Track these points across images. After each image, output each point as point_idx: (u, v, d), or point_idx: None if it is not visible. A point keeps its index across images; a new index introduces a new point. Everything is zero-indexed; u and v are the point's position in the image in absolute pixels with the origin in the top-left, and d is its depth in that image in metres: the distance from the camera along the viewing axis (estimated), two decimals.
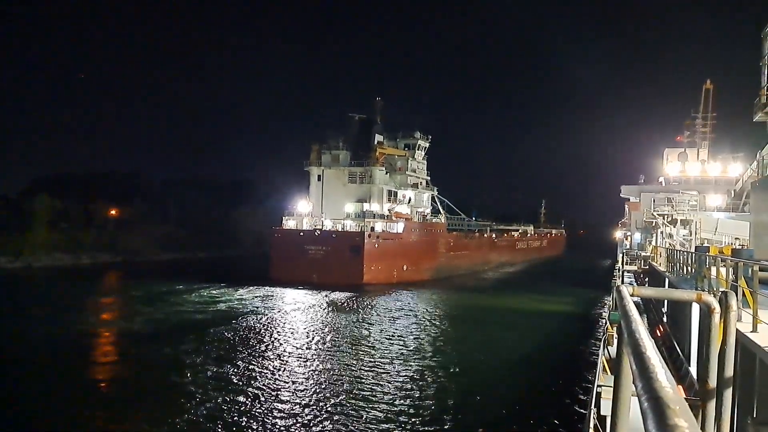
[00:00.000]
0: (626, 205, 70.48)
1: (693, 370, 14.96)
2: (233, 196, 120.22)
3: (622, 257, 47.48)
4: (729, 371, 6.28)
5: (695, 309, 15.17)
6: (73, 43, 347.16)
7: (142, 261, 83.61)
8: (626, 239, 63.66)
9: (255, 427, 18.80)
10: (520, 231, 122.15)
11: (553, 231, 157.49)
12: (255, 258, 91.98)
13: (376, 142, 73.31)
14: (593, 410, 11.72)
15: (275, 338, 33.20)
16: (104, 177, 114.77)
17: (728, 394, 6.23)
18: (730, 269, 12.53)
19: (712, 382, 6.09)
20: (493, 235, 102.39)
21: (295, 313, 42.31)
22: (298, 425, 18.94)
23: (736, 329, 7.11)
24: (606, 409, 10.71)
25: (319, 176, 72.42)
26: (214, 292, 51.62)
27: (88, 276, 65.14)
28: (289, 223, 68.48)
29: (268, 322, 38.07)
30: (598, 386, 12.07)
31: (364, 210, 68.42)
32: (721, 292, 7.15)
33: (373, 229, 64.89)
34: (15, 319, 38.24)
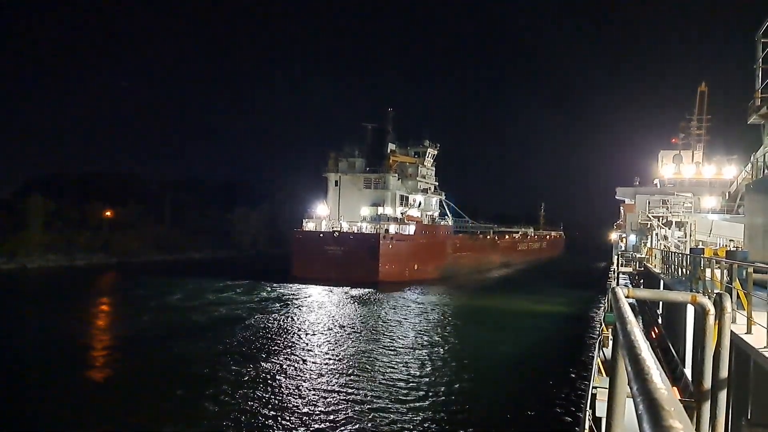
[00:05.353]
0: (621, 207, 70.66)
1: (688, 371, 15.00)
2: (228, 197, 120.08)
3: (617, 259, 47.63)
4: (724, 373, 6.29)
5: (690, 310, 15.21)
6: (70, 41, 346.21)
7: (136, 262, 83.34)
8: (621, 241, 63.76)
9: (272, 416, 18.97)
10: (520, 233, 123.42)
11: (552, 233, 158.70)
12: (253, 258, 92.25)
13: (389, 151, 79.07)
14: (588, 412, 11.75)
15: (301, 331, 35.16)
16: (99, 178, 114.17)
17: (723, 395, 6.24)
18: (725, 271, 12.57)
19: (707, 383, 6.10)
20: (495, 237, 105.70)
21: (321, 307, 45.44)
22: (306, 414, 18.95)
23: (731, 331, 7.13)
24: (601, 410, 10.74)
25: (336, 182, 77.64)
26: (237, 289, 53.88)
27: (84, 277, 64.87)
28: (309, 225, 72.72)
29: (295, 316, 40.54)
30: (594, 388, 12.10)
31: (379, 213, 73.38)
32: (716, 293, 7.16)
33: (387, 231, 68.71)
34: (12, 320, 38.08)
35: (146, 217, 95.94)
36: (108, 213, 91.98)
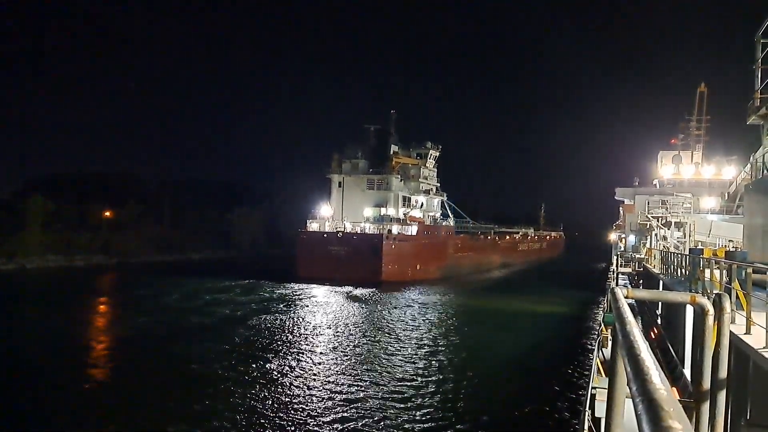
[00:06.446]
0: (621, 208, 70.67)
1: (687, 371, 15.01)
2: (228, 197, 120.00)
3: (617, 259, 47.66)
4: (723, 373, 6.30)
5: (689, 311, 15.22)
6: (70, 41, 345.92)
7: (136, 262, 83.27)
8: (621, 241, 63.76)
9: (273, 416, 18.92)
10: (520, 233, 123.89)
11: (552, 233, 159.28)
12: (252, 259, 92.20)
13: (391, 152, 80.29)
14: (587, 412, 11.76)
15: (305, 330, 35.62)
16: (99, 178, 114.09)
17: (722, 395, 6.25)
18: (724, 271, 12.58)
19: (706, 383, 6.11)
20: (496, 238, 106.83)
21: (324, 307, 46.08)
22: (308, 413, 18.94)
23: (730, 331, 7.14)
24: (600, 411, 10.75)
25: (339, 183, 78.89)
26: (239, 289, 54.44)
27: (84, 277, 64.82)
28: (313, 226, 73.66)
29: (299, 316, 41.01)
30: (593, 388, 12.11)
31: (382, 214, 74.57)
32: (715, 294, 7.18)
33: (390, 231, 69.51)
34: (12, 320, 38.04)
35: (146, 218, 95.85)
36: (107, 213, 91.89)
